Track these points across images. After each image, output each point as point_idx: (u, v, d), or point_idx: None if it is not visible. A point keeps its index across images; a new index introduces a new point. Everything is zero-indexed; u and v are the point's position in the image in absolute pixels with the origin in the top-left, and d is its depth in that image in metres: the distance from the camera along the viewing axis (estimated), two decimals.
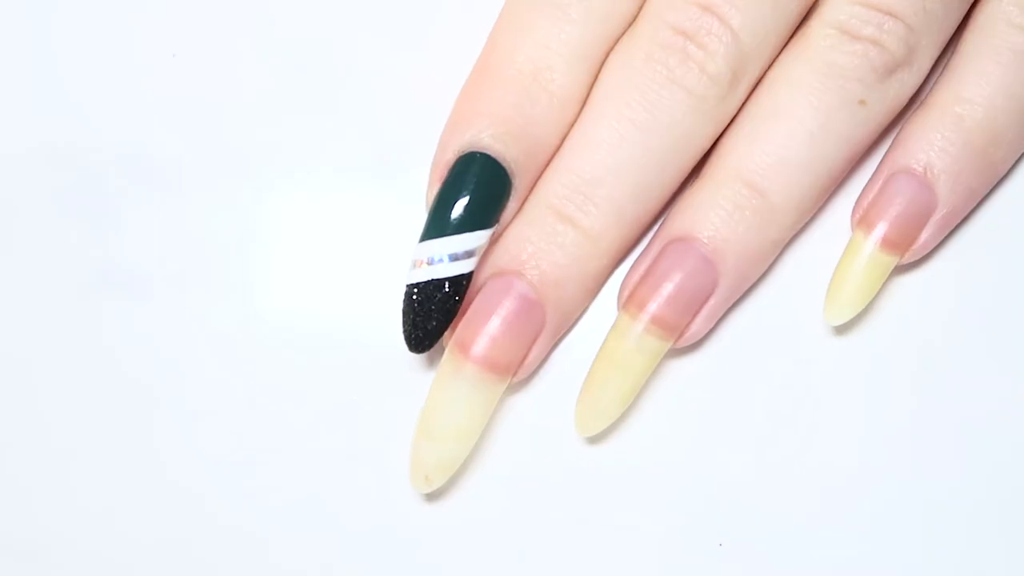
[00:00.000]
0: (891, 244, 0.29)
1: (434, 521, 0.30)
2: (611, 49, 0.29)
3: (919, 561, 0.30)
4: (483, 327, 0.29)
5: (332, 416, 0.30)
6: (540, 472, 0.30)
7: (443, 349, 0.29)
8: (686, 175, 0.30)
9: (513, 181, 0.29)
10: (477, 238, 0.29)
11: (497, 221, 0.29)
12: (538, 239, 0.29)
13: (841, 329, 0.30)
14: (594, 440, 0.30)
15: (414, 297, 0.29)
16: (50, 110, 0.31)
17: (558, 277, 0.29)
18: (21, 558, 0.30)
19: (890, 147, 0.30)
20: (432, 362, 0.30)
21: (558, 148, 0.29)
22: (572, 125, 0.29)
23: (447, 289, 0.28)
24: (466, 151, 0.29)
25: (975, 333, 0.31)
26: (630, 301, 0.29)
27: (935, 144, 0.29)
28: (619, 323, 0.29)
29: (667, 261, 0.29)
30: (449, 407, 0.29)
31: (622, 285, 0.30)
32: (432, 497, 0.30)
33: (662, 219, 0.30)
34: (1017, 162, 0.31)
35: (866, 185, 0.30)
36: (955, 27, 0.30)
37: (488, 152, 0.29)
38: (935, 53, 0.29)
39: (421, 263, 0.29)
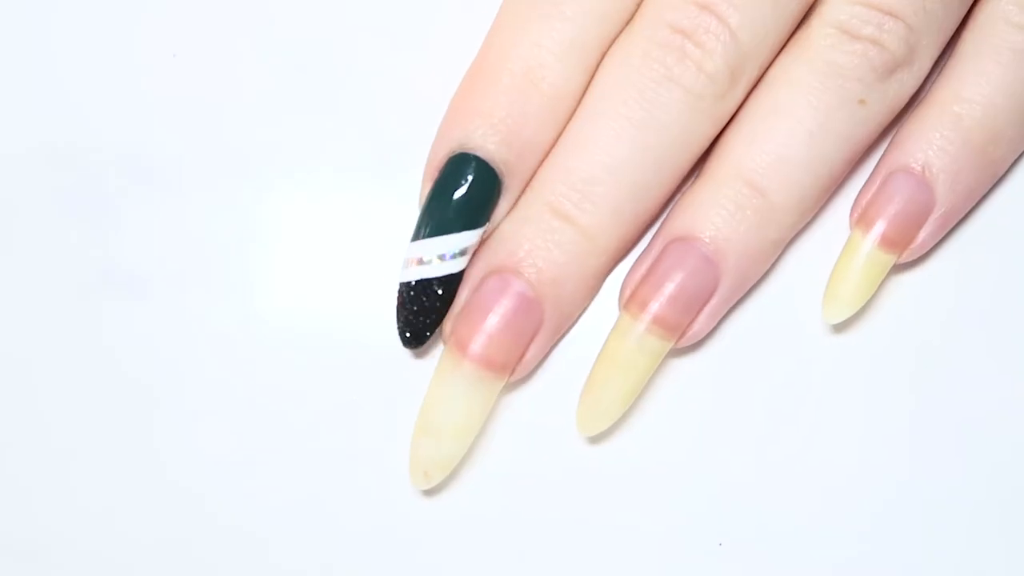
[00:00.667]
0: (889, 243, 0.29)
1: (434, 521, 0.30)
2: (608, 48, 0.29)
3: (919, 561, 0.30)
4: (481, 325, 0.29)
5: (332, 415, 0.30)
6: (541, 471, 0.30)
7: (443, 347, 0.29)
8: (684, 174, 0.30)
9: (503, 181, 0.29)
10: (467, 238, 0.29)
11: (488, 220, 0.29)
12: (535, 237, 0.29)
13: (840, 328, 0.30)
14: (595, 439, 0.30)
15: (406, 296, 0.29)
16: (50, 110, 0.31)
17: (556, 275, 0.29)
18: (21, 558, 0.30)
19: (888, 146, 0.30)
20: (431, 361, 0.30)
21: (552, 146, 0.29)
22: (567, 123, 0.29)
23: (438, 288, 0.29)
24: (457, 151, 0.29)
25: (974, 332, 0.31)
26: (631, 301, 0.29)
27: (934, 143, 0.29)
28: (620, 323, 0.29)
29: (668, 261, 0.29)
30: (447, 404, 0.29)
31: (623, 285, 0.30)
32: (433, 497, 0.30)
33: (662, 218, 0.30)
34: (1016, 161, 0.31)
35: (865, 184, 0.30)
36: (955, 27, 0.30)
37: (478, 153, 0.29)
38: (935, 53, 0.29)
39: (412, 262, 0.29)
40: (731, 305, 0.30)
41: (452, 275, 0.29)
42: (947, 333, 0.31)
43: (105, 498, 0.30)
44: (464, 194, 0.29)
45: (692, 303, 0.29)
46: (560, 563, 0.30)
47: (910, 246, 0.30)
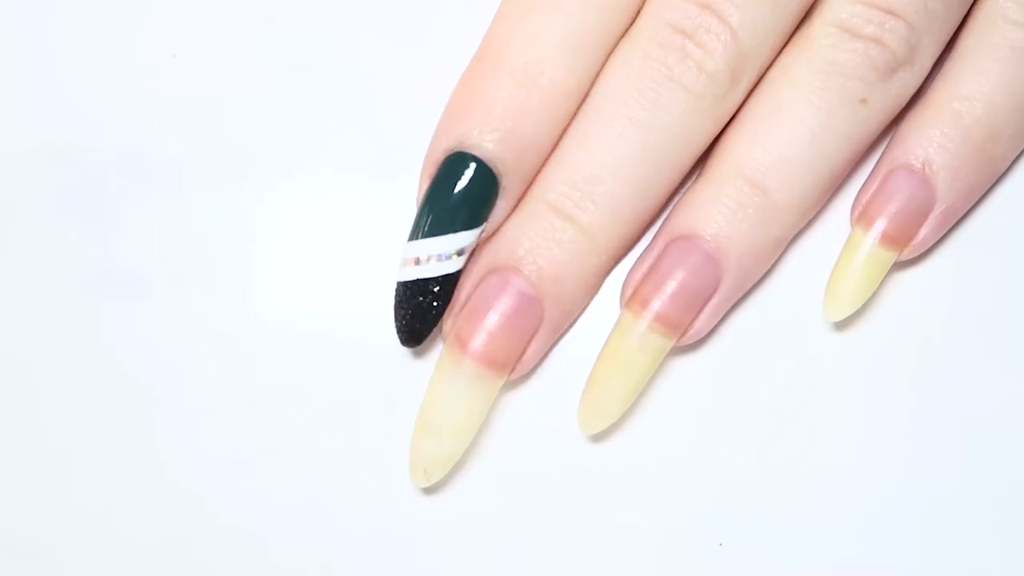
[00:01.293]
0: (890, 240, 0.29)
1: (435, 520, 0.30)
2: (609, 44, 0.29)
3: (919, 560, 0.30)
4: (481, 323, 0.29)
5: (332, 415, 0.30)
6: (541, 471, 0.30)
7: (443, 345, 0.29)
8: (685, 173, 0.30)
9: (501, 181, 0.29)
10: (464, 238, 0.29)
11: (485, 220, 0.29)
12: (536, 235, 0.29)
13: (841, 326, 0.30)
14: (595, 438, 0.30)
15: (402, 296, 0.29)
16: (50, 110, 0.31)
17: (556, 273, 0.29)
18: (21, 558, 0.30)
19: (888, 144, 0.30)
20: (431, 360, 0.30)
21: (553, 143, 0.29)
22: (567, 119, 0.29)
23: (435, 288, 0.29)
24: (454, 150, 0.29)
25: (975, 330, 0.31)
26: (633, 299, 0.29)
27: (934, 140, 0.29)
28: (622, 321, 0.29)
29: (670, 259, 0.29)
30: (447, 402, 0.29)
31: (625, 283, 0.30)
32: (433, 496, 0.30)
33: (663, 217, 0.30)
34: (1016, 159, 0.31)
35: (865, 182, 0.30)
36: (956, 26, 0.30)
37: (475, 152, 0.29)
38: (936, 52, 0.30)
39: (409, 262, 0.29)
40: (733, 303, 0.30)
41: (449, 275, 0.29)
42: (948, 331, 0.31)
43: (105, 498, 0.30)
44: (461, 194, 0.29)
45: (694, 301, 0.29)
46: (560, 563, 0.30)
47: (911, 243, 0.30)
